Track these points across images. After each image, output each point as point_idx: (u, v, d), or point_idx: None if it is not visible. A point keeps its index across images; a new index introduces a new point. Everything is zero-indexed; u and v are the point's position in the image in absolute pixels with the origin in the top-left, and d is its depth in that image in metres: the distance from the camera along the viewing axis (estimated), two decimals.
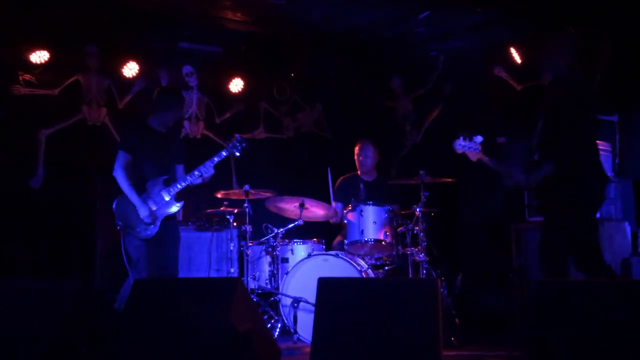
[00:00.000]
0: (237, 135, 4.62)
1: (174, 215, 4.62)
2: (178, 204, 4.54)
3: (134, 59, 6.45)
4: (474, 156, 4.00)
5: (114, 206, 4.50)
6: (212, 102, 7.05)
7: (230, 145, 4.58)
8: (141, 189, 4.50)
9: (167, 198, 4.50)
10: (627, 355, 2.59)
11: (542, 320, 2.83)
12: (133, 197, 4.43)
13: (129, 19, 5.98)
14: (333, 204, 5.61)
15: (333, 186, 5.74)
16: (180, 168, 4.73)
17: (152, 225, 4.45)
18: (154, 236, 4.46)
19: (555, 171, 3.72)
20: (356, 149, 5.73)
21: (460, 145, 4.00)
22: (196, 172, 4.49)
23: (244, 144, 4.58)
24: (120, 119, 6.33)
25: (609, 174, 5.07)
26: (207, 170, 4.49)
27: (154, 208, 4.46)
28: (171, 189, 4.51)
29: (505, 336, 4.90)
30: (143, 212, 4.41)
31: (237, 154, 4.58)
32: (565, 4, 5.40)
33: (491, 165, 3.99)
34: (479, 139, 3.95)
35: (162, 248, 4.53)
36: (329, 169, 5.39)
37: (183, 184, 4.52)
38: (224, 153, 4.55)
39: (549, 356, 2.76)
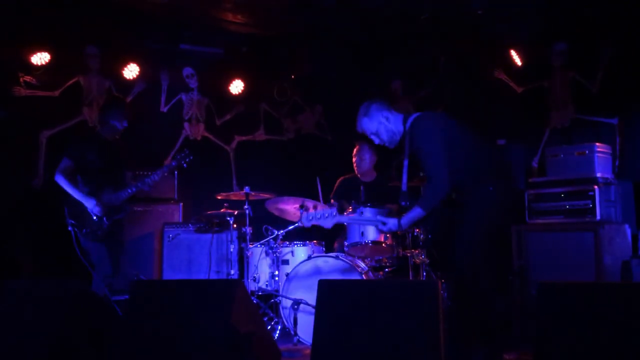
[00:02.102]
0: (186, 150, 5.05)
1: (121, 220, 4.89)
2: (126, 209, 4.91)
3: (134, 61, 6.46)
4: (329, 223, 3.75)
5: (65, 211, 4.69)
6: (212, 103, 7.05)
7: (179, 157, 4.98)
8: (92, 195, 4.72)
9: (117, 203, 4.79)
10: (628, 357, 2.59)
11: (544, 321, 2.83)
12: (77, 194, 4.66)
13: (129, 20, 5.98)
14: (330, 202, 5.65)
15: (331, 188, 5.79)
16: (129, 174, 5.05)
17: (99, 229, 4.70)
18: (104, 237, 4.72)
19: (425, 215, 3.67)
20: (354, 151, 5.74)
21: (307, 219, 3.74)
22: (147, 180, 4.83)
23: (191, 157, 5.01)
24: None
25: (610, 176, 5.07)
26: (156, 177, 4.86)
27: (105, 212, 4.70)
28: (121, 194, 4.79)
29: (506, 338, 4.88)
30: (90, 204, 4.64)
31: (185, 165, 5.00)
32: (566, 5, 5.40)
33: (358, 220, 3.91)
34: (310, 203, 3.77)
35: (110, 250, 4.81)
36: (318, 179, 5.42)
37: (134, 189, 4.82)
38: (173, 164, 4.98)
39: (551, 357, 2.76)
